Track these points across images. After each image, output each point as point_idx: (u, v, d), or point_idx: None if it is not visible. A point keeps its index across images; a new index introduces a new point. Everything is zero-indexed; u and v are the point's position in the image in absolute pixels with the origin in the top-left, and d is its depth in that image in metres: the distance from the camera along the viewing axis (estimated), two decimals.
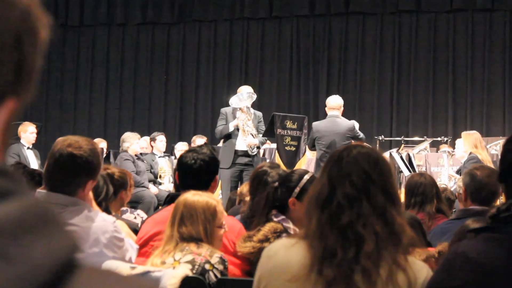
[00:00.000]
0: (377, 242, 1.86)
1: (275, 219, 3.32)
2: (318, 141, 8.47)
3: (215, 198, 3.25)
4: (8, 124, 0.63)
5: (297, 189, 3.27)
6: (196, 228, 3.04)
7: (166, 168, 9.86)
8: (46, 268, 0.55)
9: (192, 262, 2.95)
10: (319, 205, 1.93)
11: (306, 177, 3.34)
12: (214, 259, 2.99)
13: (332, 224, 1.90)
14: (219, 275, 2.98)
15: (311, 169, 9.72)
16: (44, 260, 0.55)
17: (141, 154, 9.63)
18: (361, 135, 8.67)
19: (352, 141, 8.40)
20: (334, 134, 8.38)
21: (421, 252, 2.77)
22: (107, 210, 3.57)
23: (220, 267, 3.00)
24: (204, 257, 2.98)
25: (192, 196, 3.11)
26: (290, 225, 3.30)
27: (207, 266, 2.96)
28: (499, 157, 1.86)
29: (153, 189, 9.14)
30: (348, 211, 1.90)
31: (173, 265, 2.94)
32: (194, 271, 2.93)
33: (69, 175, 2.78)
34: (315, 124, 8.70)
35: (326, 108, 8.77)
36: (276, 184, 3.42)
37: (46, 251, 0.56)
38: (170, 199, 3.82)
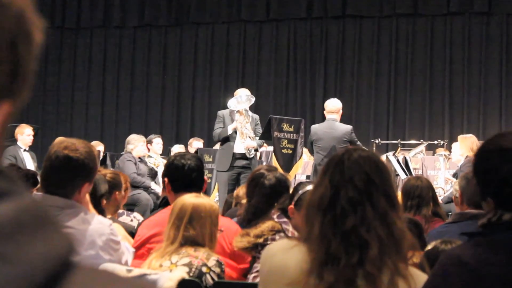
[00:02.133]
0: (380, 247, 1.86)
1: (276, 220, 3.34)
2: (315, 144, 8.47)
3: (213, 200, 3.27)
4: (3, 127, 0.63)
5: (295, 198, 3.27)
6: (203, 231, 3.03)
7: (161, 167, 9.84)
8: (42, 268, 0.55)
9: (189, 265, 2.95)
10: (322, 209, 1.92)
11: (308, 188, 3.34)
12: (211, 262, 2.99)
13: (335, 228, 1.89)
14: (216, 278, 2.98)
15: (308, 172, 9.73)
16: (41, 261, 0.56)
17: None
18: (358, 142, 8.66)
19: (349, 145, 8.41)
20: (332, 138, 8.37)
21: (417, 255, 2.77)
22: (100, 210, 3.55)
23: (217, 270, 3.00)
24: (201, 260, 2.98)
25: (197, 199, 3.10)
26: (289, 228, 3.32)
27: (204, 269, 2.96)
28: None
29: (156, 188, 9.15)
30: (352, 215, 1.88)
31: (170, 268, 2.94)
32: (191, 274, 2.93)
33: (65, 177, 2.77)
34: (313, 127, 8.71)
35: (324, 112, 8.76)
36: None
37: (42, 251, 0.56)
38: (166, 201, 3.83)
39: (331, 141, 8.34)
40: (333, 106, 8.65)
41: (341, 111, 8.70)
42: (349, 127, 8.60)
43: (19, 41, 0.62)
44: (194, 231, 3.02)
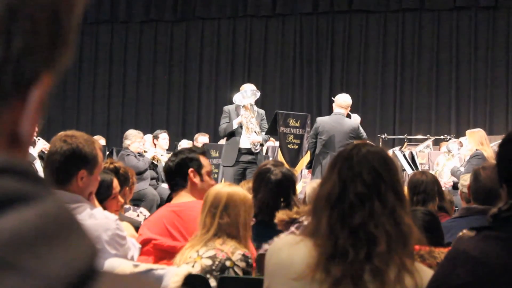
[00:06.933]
0: (388, 243, 1.85)
1: None
2: (320, 136, 8.46)
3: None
4: (43, 101, 0.59)
5: None
6: (237, 220, 3.03)
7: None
8: (64, 279, 0.52)
9: (213, 258, 2.94)
10: (330, 203, 1.92)
11: None
12: (236, 256, 2.97)
13: (343, 223, 1.89)
14: (240, 273, 2.96)
15: None
16: (63, 272, 0.52)
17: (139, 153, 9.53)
18: (364, 135, 8.64)
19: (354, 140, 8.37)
20: (337, 132, 8.35)
21: (424, 250, 2.74)
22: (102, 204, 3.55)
23: (242, 264, 2.97)
24: (226, 253, 2.96)
25: (231, 188, 3.13)
26: None
27: (227, 263, 2.94)
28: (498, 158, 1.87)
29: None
30: (360, 211, 1.88)
31: (195, 260, 2.94)
32: (213, 267, 2.92)
33: (60, 160, 2.79)
34: (320, 119, 8.70)
35: (333, 104, 8.72)
36: None
37: (65, 261, 0.53)
38: (171, 198, 3.82)
39: (337, 136, 8.33)
40: (343, 101, 8.63)
41: (349, 108, 8.68)
42: (355, 124, 8.58)
43: (61, 11, 0.59)
44: (229, 218, 3.02)
